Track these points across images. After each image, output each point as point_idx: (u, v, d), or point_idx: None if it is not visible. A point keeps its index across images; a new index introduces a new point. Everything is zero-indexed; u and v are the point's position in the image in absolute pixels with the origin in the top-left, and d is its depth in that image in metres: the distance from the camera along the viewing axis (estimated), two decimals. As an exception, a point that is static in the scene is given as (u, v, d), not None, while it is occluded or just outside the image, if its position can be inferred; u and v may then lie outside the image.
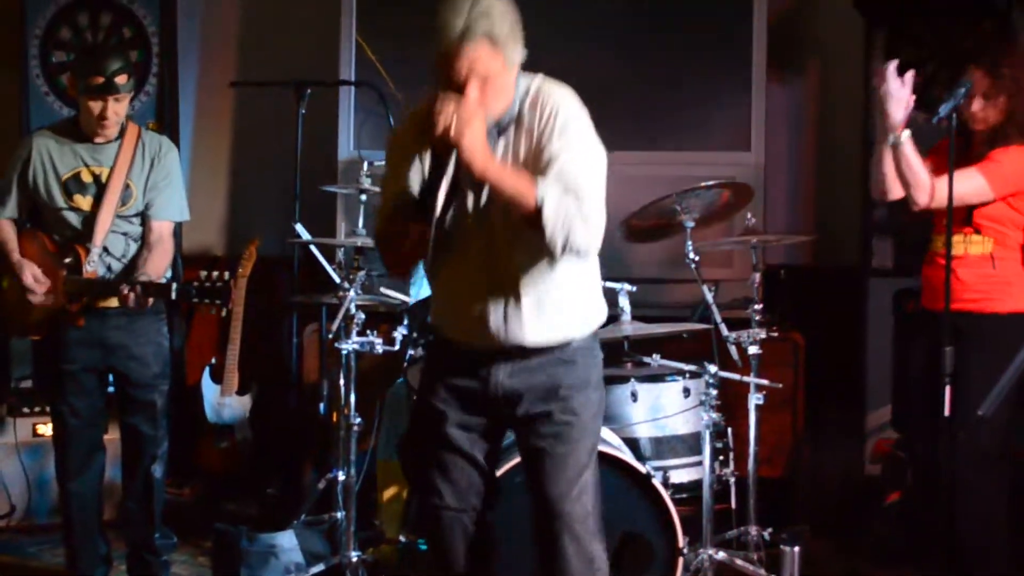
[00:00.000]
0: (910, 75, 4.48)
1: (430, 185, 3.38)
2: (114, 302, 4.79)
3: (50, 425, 5.25)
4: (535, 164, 3.47)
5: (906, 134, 4.53)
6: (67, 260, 4.81)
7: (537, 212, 3.35)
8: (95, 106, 4.79)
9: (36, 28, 6.82)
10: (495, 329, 3.60)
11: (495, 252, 3.56)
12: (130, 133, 4.94)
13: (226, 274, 4.73)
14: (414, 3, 6.44)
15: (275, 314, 6.20)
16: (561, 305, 3.62)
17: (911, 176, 4.58)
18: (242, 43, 7.18)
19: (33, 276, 4.80)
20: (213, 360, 6.49)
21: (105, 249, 4.84)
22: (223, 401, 6.35)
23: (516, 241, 3.51)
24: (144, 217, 4.92)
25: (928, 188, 4.59)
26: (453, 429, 3.67)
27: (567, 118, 3.49)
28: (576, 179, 3.41)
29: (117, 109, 4.82)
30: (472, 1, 3.36)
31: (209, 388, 6.41)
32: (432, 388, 3.72)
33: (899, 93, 4.47)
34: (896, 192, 4.73)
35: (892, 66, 4.49)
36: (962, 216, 4.67)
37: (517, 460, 4.42)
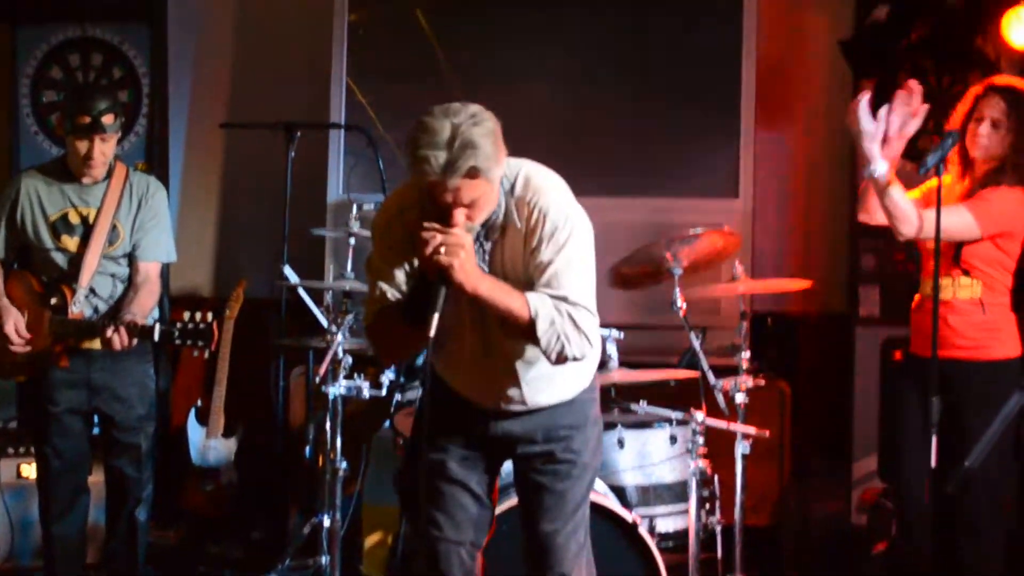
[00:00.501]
0: (883, 110, 4.48)
1: (423, 300, 3.36)
2: (99, 343, 4.74)
3: (34, 467, 5.23)
4: (523, 265, 3.50)
5: (883, 167, 4.49)
6: (53, 301, 4.79)
7: (531, 325, 3.38)
8: (82, 146, 4.77)
9: (27, 67, 6.87)
10: (496, 402, 3.69)
11: (491, 343, 3.60)
12: (118, 174, 4.93)
13: (209, 315, 4.69)
14: (404, 46, 6.57)
15: (262, 356, 6.19)
16: (559, 374, 3.66)
17: (893, 209, 4.55)
18: (233, 84, 7.19)
19: (15, 326, 4.77)
20: (199, 402, 6.47)
21: (92, 290, 4.83)
22: (209, 443, 6.33)
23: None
24: (131, 258, 4.91)
25: (914, 220, 4.56)
26: (453, 463, 3.70)
27: (555, 222, 3.47)
28: (568, 288, 3.45)
29: (104, 149, 4.80)
30: (452, 132, 3.27)
31: (195, 430, 6.39)
32: (432, 421, 3.69)
33: (870, 128, 4.46)
34: (879, 217, 4.68)
35: (863, 102, 4.49)
36: (951, 257, 4.68)
37: (510, 503, 4.43)
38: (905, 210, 4.53)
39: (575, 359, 3.48)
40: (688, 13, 6.41)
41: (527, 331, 3.41)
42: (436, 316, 3.31)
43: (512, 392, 3.66)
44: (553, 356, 3.44)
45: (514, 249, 3.51)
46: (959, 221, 4.59)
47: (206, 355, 4.77)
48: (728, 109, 6.31)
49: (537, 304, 3.38)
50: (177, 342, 4.67)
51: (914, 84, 4.50)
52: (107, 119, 4.75)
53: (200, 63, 7.21)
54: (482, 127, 3.33)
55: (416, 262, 3.47)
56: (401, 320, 3.46)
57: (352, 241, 5.47)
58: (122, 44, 6.81)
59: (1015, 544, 4.72)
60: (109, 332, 4.61)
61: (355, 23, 6.59)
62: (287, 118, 5.81)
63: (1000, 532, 4.76)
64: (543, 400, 3.68)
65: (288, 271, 5.57)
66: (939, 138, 4.62)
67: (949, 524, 4.71)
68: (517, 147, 3.59)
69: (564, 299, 3.42)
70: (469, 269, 3.32)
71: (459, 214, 3.36)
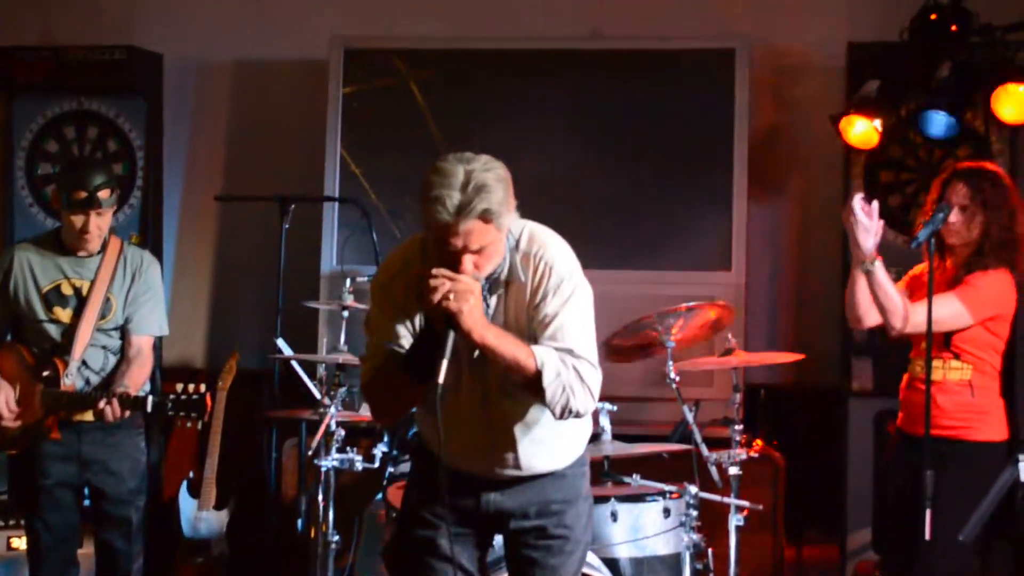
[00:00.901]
0: (875, 205, 4.51)
1: (429, 350, 3.34)
2: (91, 416, 4.73)
3: (24, 539, 5.22)
4: (527, 320, 3.49)
5: (878, 263, 4.54)
6: (45, 373, 4.76)
7: (536, 378, 3.37)
8: (77, 220, 4.76)
9: (23, 140, 6.89)
10: (491, 466, 3.63)
11: (489, 402, 3.57)
12: (112, 247, 4.91)
13: (203, 387, 4.71)
14: (398, 118, 6.61)
15: (254, 428, 6.18)
16: (555, 438, 3.63)
17: (886, 302, 4.58)
18: (227, 157, 7.24)
19: (6, 400, 4.74)
20: (191, 474, 6.45)
21: (84, 363, 4.81)
22: (200, 515, 6.31)
23: (510, 388, 3.51)
24: (124, 331, 4.90)
25: (902, 313, 4.60)
26: (443, 539, 3.62)
27: (561, 275, 3.48)
28: (573, 341, 3.45)
29: (99, 223, 4.79)
30: (467, 176, 3.31)
31: (186, 502, 6.37)
32: (422, 498, 3.68)
33: (867, 223, 4.49)
34: (870, 320, 4.73)
35: (858, 198, 4.52)
36: (941, 341, 4.68)
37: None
38: (896, 302, 4.57)
39: (578, 414, 3.46)
40: (681, 87, 6.47)
41: (532, 383, 3.38)
42: (445, 362, 3.28)
43: (507, 456, 3.60)
44: (557, 409, 3.41)
45: (518, 305, 3.51)
46: (950, 311, 4.59)
47: (199, 426, 4.76)
48: (721, 182, 6.36)
49: (543, 356, 3.37)
50: (170, 413, 4.63)
51: (857, 198, 4.54)
52: (103, 194, 4.75)
53: (195, 136, 7.27)
54: (495, 173, 3.37)
55: (419, 317, 3.47)
56: (401, 374, 3.43)
57: (345, 313, 5.48)
58: (118, 117, 6.83)
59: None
60: (102, 404, 4.60)
61: (349, 95, 6.64)
62: (281, 191, 5.83)
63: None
64: (538, 466, 3.63)
65: (281, 343, 5.57)
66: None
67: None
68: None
69: (569, 352, 3.41)
70: (477, 316, 3.31)
71: (468, 261, 3.35)
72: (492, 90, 6.53)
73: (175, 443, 6.79)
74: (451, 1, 6.91)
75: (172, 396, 4.67)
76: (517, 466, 3.62)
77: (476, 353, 3.47)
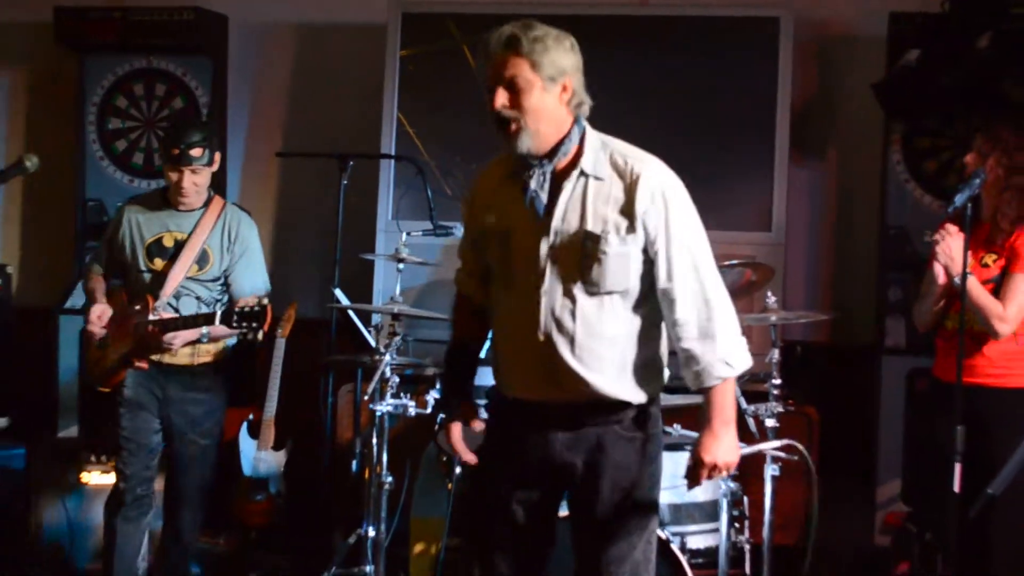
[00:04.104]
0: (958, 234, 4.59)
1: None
2: (177, 359, 5.04)
3: (93, 473, 5.37)
4: (617, 220, 3.35)
5: (971, 278, 4.58)
6: (137, 307, 4.97)
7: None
8: (173, 175, 4.99)
9: (94, 96, 6.95)
10: (547, 379, 3.43)
11: (554, 297, 3.40)
12: (215, 205, 5.15)
13: (264, 300, 4.84)
14: (452, 81, 6.62)
15: (312, 374, 6.22)
16: (617, 362, 3.43)
17: (988, 308, 4.63)
18: (288, 116, 7.27)
19: (98, 314, 5.03)
20: (251, 416, 6.53)
21: (173, 308, 5.00)
22: (260, 455, 6.37)
23: (574, 287, 3.38)
24: (229, 294, 5.14)
25: (1005, 317, 4.65)
26: (515, 505, 3.52)
27: (682, 219, 3.42)
28: (710, 287, 3.42)
29: (195, 180, 5.00)
30: (525, 25, 3.34)
31: (247, 443, 6.43)
32: (493, 460, 3.59)
33: (955, 246, 4.57)
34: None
35: (952, 228, 4.62)
36: (990, 291, 4.71)
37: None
38: (995, 308, 4.64)
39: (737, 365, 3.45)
40: (727, 54, 6.45)
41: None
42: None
43: (562, 369, 3.38)
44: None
45: (602, 209, 3.37)
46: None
47: (259, 336, 4.81)
48: (763, 146, 6.35)
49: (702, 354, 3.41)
50: (233, 324, 4.76)
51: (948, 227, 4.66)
52: (195, 152, 4.93)
53: (258, 95, 7.31)
54: (558, 38, 3.38)
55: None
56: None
57: (400, 265, 5.51)
58: (185, 75, 6.89)
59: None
60: (168, 337, 4.90)
61: (406, 59, 6.66)
62: (340, 149, 5.87)
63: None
64: (594, 387, 3.40)
65: (339, 293, 5.62)
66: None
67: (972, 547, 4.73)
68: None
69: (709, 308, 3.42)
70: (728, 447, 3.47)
71: (500, 95, 3.31)
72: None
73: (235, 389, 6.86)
74: (505, -32, 6.92)
75: (236, 309, 4.79)
76: (573, 383, 3.41)
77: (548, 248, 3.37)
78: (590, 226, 3.35)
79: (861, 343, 6.39)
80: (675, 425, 5.24)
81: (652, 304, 3.45)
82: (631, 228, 3.35)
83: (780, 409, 5.15)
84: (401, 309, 5.36)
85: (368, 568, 5.26)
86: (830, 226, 6.72)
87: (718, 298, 3.42)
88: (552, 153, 3.40)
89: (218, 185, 6.85)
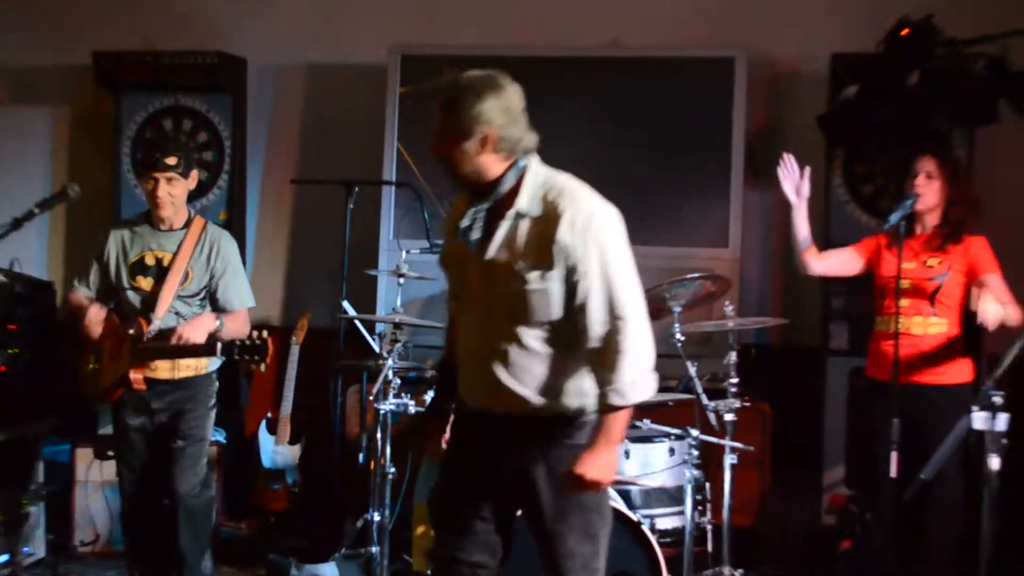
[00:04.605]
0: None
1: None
2: (167, 373, 4.69)
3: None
4: (539, 258, 3.24)
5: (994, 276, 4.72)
6: (131, 331, 4.61)
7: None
8: (148, 185, 4.64)
9: (128, 131, 6.90)
10: (490, 393, 3.37)
11: (492, 321, 3.34)
12: (196, 224, 4.78)
13: (265, 332, 4.53)
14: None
15: (323, 377, 6.21)
16: (550, 379, 3.32)
17: (1004, 304, 4.65)
18: (301, 147, 7.24)
19: (95, 312, 4.65)
20: (269, 414, 6.51)
21: (161, 328, 4.64)
22: (277, 449, 6.38)
23: (507, 314, 3.30)
24: (216, 309, 4.77)
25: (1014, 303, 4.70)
26: (467, 507, 3.44)
27: (604, 242, 3.28)
28: (624, 307, 3.26)
29: (170, 190, 4.63)
30: (457, 85, 3.29)
31: (265, 438, 6.44)
32: (452, 463, 3.54)
33: (792, 168, 4.90)
34: (813, 268, 5.04)
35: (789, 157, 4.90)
36: (927, 298, 4.72)
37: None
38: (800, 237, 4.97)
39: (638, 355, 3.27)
40: (688, 90, 6.43)
41: None
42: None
43: (495, 383, 3.32)
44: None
45: (531, 238, 3.26)
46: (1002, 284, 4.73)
47: (262, 368, 4.51)
48: (720, 171, 6.33)
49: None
50: (236, 356, 4.48)
51: (786, 156, 4.91)
52: (170, 160, 4.59)
53: (274, 128, 7.27)
54: (486, 94, 3.28)
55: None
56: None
57: (401, 280, 5.51)
58: (208, 112, 6.86)
59: (966, 547, 4.69)
60: (178, 331, 4.55)
61: (404, 95, 6.62)
62: (347, 176, 5.87)
63: (954, 535, 4.76)
64: (523, 400, 3.31)
65: (346, 305, 5.61)
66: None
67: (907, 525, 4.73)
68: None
69: (621, 318, 3.25)
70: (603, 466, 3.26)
71: (433, 146, 3.31)
72: (530, 90, 6.50)
73: (256, 388, 6.85)
74: (491, 14, 6.89)
75: (238, 342, 4.49)
76: (508, 397, 3.32)
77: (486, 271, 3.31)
78: (516, 264, 3.27)
79: (808, 346, 6.36)
80: (645, 420, 5.23)
81: (582, 325, 3.29)
82: (552, 264, 3.23)
83: (737, 405, 5.16)
84: (402, 319, 5.36)
85: (374, 549, 5.26)
86: (780, 242, 6.70)
87: (631, 332, 3.24)
88: (487, 193, 3.33)
89: (238, 209, 6.87)
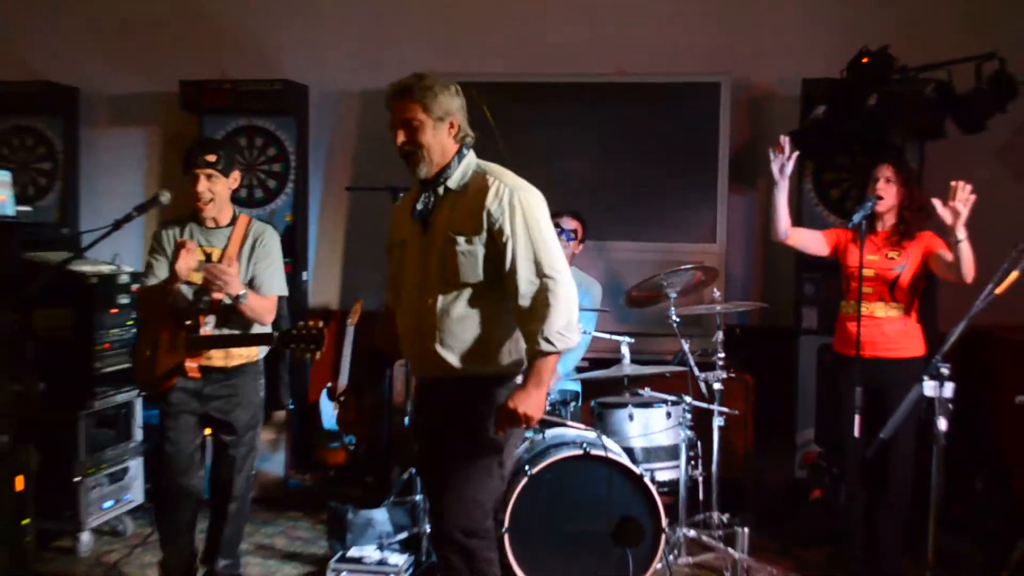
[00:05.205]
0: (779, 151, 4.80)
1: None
2: (221, 361, 4.35)
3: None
4: (469, 225, 3.23)
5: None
6: (187, 323, 4.28)
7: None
8: (190, 182, 4.33)
9: (209, 147, 6.92)
10: (422, 360, 3.33)
11: (426, 290, 3.32)
12: (241, 221, 4.47)
13: (320, 323, 4.13)
14: (473, 131, 6.60)
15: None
16: (474, 343, 3.26)
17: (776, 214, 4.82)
18: (356, 159, 7.26)
19: (185, 261, 4.22)
20: (329, 384, 6.55)
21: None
22: (335, 413, 6.39)
23: (438, 278, 3.27)
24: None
25: (783, 228, 4.87)
26: (418, 448, 3.49)
27: (528, 210, 3.22)
28: (549, 268, 3.22)
29: (210, 187, 4.32)
30: (425, 78, 3.31)
31: (326, 404, 6.46)
32: (414, 419, 3.55)
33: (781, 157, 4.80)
34: (787, 237, 4.97)
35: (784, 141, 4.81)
36: (888, 287, 4.73)
37: (552, 459, 4.44)
38: (779, 216, 4.91)
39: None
40: (681, 110, 6.43)
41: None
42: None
43: (426, 348, 3.27)
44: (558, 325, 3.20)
45: (464, 213, 3.25)
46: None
47: (317, 356, 4.07)
48: (709, 178, 6.34)
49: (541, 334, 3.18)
50: (292, 345, 4.07)
51: (781, 138, 4.83)
52: (210, 156, 4.29)
53: (332, 144, 7.28)
54: (444, 85, 3.30)
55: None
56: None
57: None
58: (277, 131, 6.88)
59: (918, 493, 4.71)
60: (218, 270, 4.20)
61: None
62: (393, 183, 5.89)
63: (908, 484, 4.78)
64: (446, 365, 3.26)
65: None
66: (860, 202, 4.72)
67: (868, 477, 4.74)
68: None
69: (549, 277, 3.22)
70: (540, 405, 3.15)
71: (400, 134, 3.28)
72: (542, 111, 6.51)
73: (317, 362, 6.83)
74: (514, 47, 6.89)
75: (294, 331, 4.08)
76: (434, 362, 3.27)
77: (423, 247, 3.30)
78: (449, 231, 3.27)
79: (784, 326, 6.36)
80: (646, 388, 5.26)
81: (504, 292, 3.27)
82: (480, 229, 3.23)
83: (724, 376, 5.18)
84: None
85: (418, 497, 5.27)
86: (760, 238, 6.71)
87: (558, 290, 3.18)
88: (437, 178, 3.35)
89: (302, 212, 6.89)
